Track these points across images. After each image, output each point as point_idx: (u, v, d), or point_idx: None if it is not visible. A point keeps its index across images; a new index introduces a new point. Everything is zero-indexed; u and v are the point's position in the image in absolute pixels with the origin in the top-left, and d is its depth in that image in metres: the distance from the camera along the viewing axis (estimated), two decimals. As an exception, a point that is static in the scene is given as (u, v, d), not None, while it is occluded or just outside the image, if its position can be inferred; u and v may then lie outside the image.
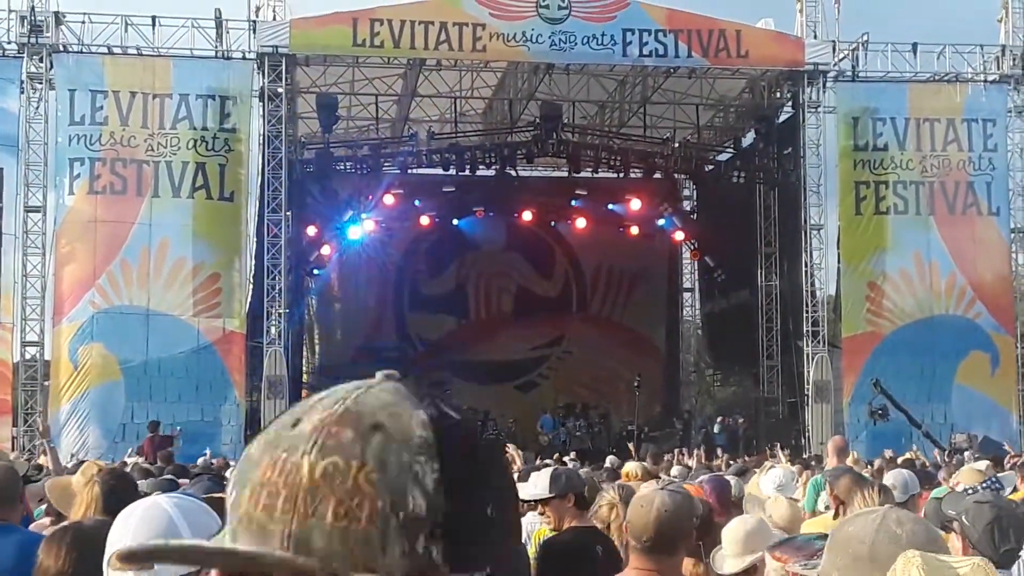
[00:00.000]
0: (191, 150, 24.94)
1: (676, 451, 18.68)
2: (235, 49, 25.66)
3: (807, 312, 26.40)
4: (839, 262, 27.14)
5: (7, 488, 5.36)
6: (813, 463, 14.24)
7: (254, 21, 25.48)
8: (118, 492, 4.99)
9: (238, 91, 25.37)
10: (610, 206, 32.45)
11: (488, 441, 1.15)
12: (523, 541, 5.51)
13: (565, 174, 31.23)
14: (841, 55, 27.12)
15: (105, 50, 25.32)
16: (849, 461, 10.22)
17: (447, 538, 1.06)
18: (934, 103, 27.26)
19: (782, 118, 28.80)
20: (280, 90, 25.54)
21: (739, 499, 7.27)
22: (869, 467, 12.27)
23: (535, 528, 6.72)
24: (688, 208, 34.53)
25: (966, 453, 18.80)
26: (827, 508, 6.85)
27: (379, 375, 1.17)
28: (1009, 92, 27.59)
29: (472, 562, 1.08)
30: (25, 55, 24.98)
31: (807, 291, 26.62)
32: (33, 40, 24.81)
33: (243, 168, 25.40)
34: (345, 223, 30.08)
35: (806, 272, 26.73)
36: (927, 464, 14.94)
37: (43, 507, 6.91)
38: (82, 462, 14.71)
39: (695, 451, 19.41)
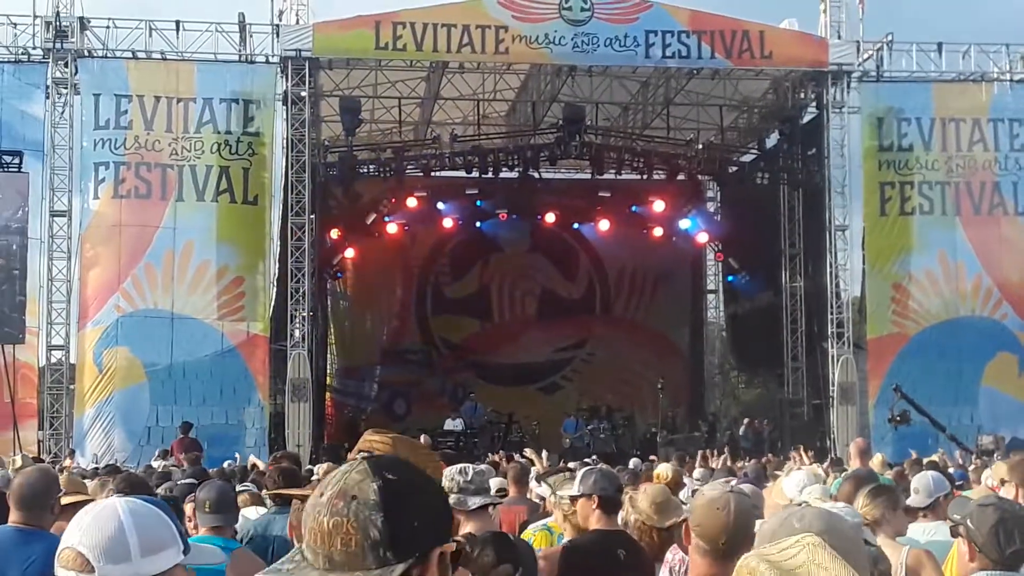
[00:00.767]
0: (215, 154, 25.03)
1: (701, 453, 18.62)
2: (258, 53, 25.77)
3: (832, 313, 26.28)
4: (864, 263, 27.00)
5: (39, 493, 5.31)
6: (834, 466, 14.17)
7: (277, 25, 25.55)
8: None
9: (262, 95, 25.46)
10: (633, 208, 32.38)
11: (410, 484, 2.08)
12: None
13: (588, 176, 31.18)
14: (865, 55, 27.02)
15: (129, 55, 25.44)
16: (874, 463, 10.17)
17: (394, 546, 2.03)
18: (959, 103, 27.10)
19: (806, 119, 28.69)
20: (303, 94, 25.60)
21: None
22: (891, 469, 12.19)
23: (539, 528, 6.73)
24: (712, 209, 34.42)
25: (994, 455, 18.67)
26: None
27: (359, 457, 2.18)
28: (1035, 91, 27.42)
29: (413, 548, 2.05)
30: (50, 60, 25.14)
31: (832, 292, 26.49)
32: (58, 45, 24.97)
33: (267, 172, 25.48)
34: (368, 226, 30.13)
35: (831, 273, 26.61)
36: (951, 466, 14.84)
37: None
38: (108, 466, 14.81)
39: (722, 454, 19.34)
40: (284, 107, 25.67)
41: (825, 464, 16.58)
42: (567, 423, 28.93)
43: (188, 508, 6.49)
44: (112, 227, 24.70)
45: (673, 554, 5.33)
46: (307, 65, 25.48)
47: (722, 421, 32.13)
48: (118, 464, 16.54)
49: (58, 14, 24.90)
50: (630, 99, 30.54)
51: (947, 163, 26.88)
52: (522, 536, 6.46)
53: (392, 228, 30.88)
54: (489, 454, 18.40)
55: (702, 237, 33.29)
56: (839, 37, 26.67)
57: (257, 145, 25.29)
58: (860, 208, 27.05)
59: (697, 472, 12.49)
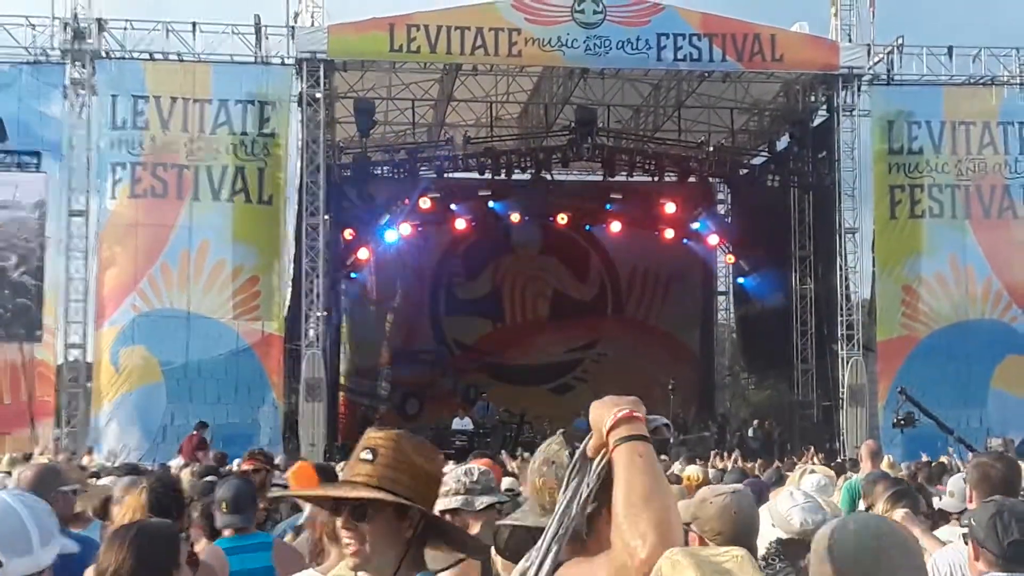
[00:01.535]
0: (230, 154, 25.21)
1: (712, 454, 18.75)
2: (274, 55, 25.94)
3: (842, 316, 26.38)
4: (874, 266, 27.09)
5: (35, 489, 5.27)
6: (848, 467, 14.29)
7: (293, 27, 25.73)
8: (164, 498, 5.15)
9: (277, 96, 25.63)
10: (645, 210, 32.49)
11: None
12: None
13: (600, 178, 31.31)
14: (876, 58, 27.11)
15: (146, 56, 25.63)
16: (884, 465, 10.30)
17: None
18: (969, 106, 27.17)
19: (817, 122, 28.79)
20: (318, 95, 25.77)
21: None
22: (901, 470, 12.32)
23: None
24: (722, 212, 34.53)
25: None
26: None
27: (558, 433, 2.70)
28: (1046, 95, 27.49)
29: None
30: (68, 61, 25.34)
31: (842, 295, 26.59)
32: (76, 46, 25.17)
33: (282, 172, 25.65)
34: (382, 227, 30.29)
35: (841, 276, 26.71)
36: (962, 468, 14.94)
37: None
38: (127, 464, 14.99)
39: (733, 454, 19.47)
40: (299, 108, 25.83)
41: (841, 461, 16.74)
42: (578, 423, 28.97)
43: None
44: (129, 227, 24.90)
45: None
46: (322, 67, 25.67)
47: (732, 422, 32.20)
48: (137, 463, 16.68)
49: (76, 15, 25.10)
50: (642, 101, 30.66)
51: (957, 166, 26.96)
52: None
53: (405, 229, 31.03)
54: (503, 452, 18.52)
55: (713, 239, 33.41)
56: (850, 40, 26.78)
57: (272, 146, 25.47)
58: (870, 211, 27.14)
59: (709, 473, 12.61)
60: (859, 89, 27.05)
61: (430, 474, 2.89)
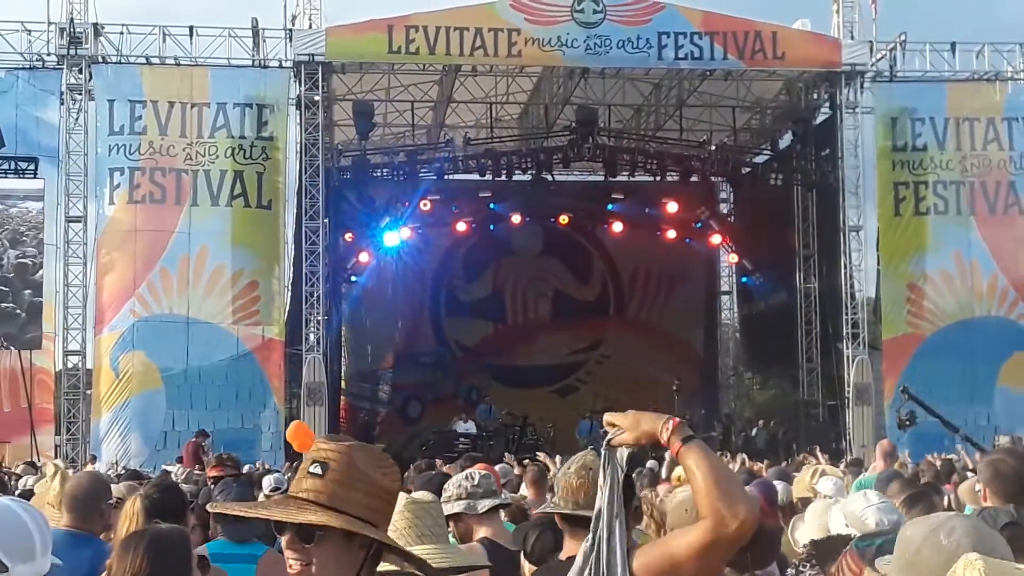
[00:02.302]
0: (229, 158, 25.10)
1: (718, 455, 18.57)
2: (272, 58, 25.85)
3: (847, 314, 26.23)
4: (878, 263, 26.97)
5: (89, 497, 5.29)
6: (856, 466, 14.13)
7: (290, 30, 25.62)
8: (162, 505, 5.01)
9: (275, 99, 25.51)
10: (647, 210, 32.35)
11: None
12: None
13: (601, 178, 31.19)
14: (879, 55, 26.98)
15: (143, 60, 25.54)
16: (897, 465, 10.14)
17: None
18: (973, 102, 27.05)
19: (819, 119, 28.64)
20: (317, 98, 25.66)
21: (786, 504, 7.20)
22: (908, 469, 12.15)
23: None
24: (725, 211, 34.39)
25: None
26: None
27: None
28: (1050, 90, 27.36)
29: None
30: (64, 66, 25.25)
31: (846, 293, 26.45)
32: (72, 51, 25.06)
33: (280, 176, 25.54)
34: (382, 229, 30.14)
35: (845, 274, 26.57)
36: (969, 466, 14.78)
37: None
38: (129, 470, 14.83)
39: (739, 455, 19.28)
40: (297, 111, 25.74)
41: (842, 466, 16.56)
42: (582, 425, 28.90)
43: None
44: (127, 232, 24.79)
45: None
46: (320, 69, 25.55)
47: (736, 422, 32.08)
48: (138, 469, 16.53)
49: (72, 20, 24.98)
50: (643, 101, 30.54)
51: (961, 163, 26.83)
52: None
53: (406, 231, 30.90)
54: (506, 454, 18.36)
55: (716, 238, 33.27)
56: (852, 37, 26.65)
57: (271, 149, 25.36)
58: (874, 208, 27.04)
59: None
60: (862, 86, 26.92)
61: (386, 489, 2.62)
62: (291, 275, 25.77)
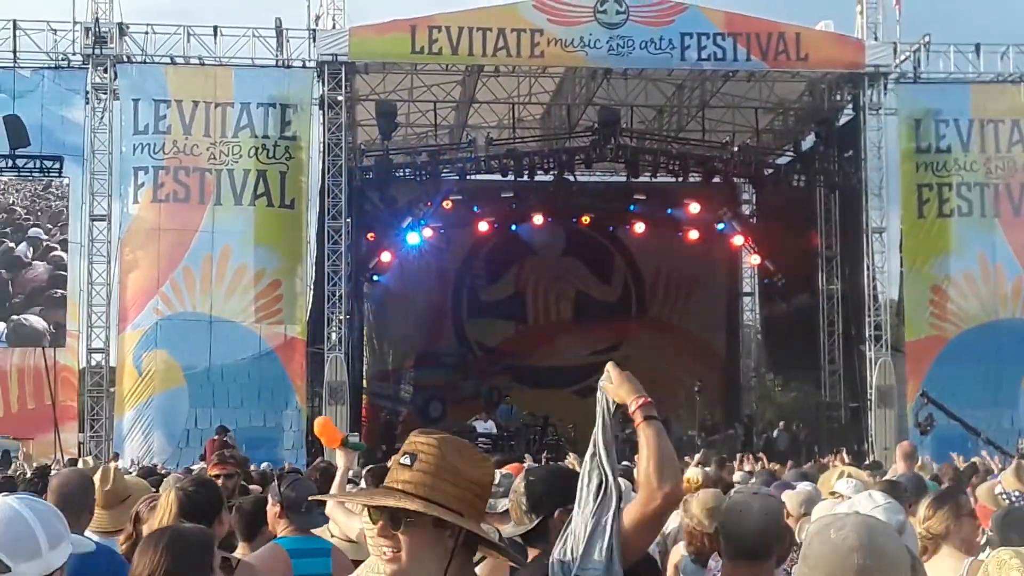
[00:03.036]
0: (252, 158, 25.19)
1: (739, 456, 18.55)
2: (295, 58, 25.93)
3: (869, 316, 26.14)
4: (901, 265, 26.85)
5: (75, 495, 5.27)
6: (876, 468, 14.07)
7: (314, 30, 25.70)
8: (197, 500, 5.02)
9: (298, 99, 25.60)
10: (669, 211, 32.29)
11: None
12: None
13: (623, 179, 31.12)
14: (902, 56, 26.88)
15: (168, 60, 25.67)
16: (917, 467, 10.10)
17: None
18: (998, 104, 26.92)
19: (843, 121, 28.55)
20: (340, 98, 25.72)
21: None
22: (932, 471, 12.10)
23: None
24: (747, 212, 34.29)
25: (1034, 459, 18.47)
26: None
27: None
28: (1075, 91, 27.18)
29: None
30: (90, 66, 25.41)
31: (869, 295, 26.36)
32: (97, 51, 25.22)
33: (303, 175, 25.61)
34: (404, 229, 30.19)
35: (868, 276, 26.47)
36: (992, 469, 14.71)
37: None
38: (144, 467, 14.91)
39: (759, 457, 19.25)
40: (320, 111, 25.82)
41: (864, 468, 16.50)
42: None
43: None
44: (151, 231, 24.91)
45: (716, 561, 5.32)
46: (343, 69, 25.62)
47: (758, 424, 31.96)
48: (153, 467, 16.59)
49: (97, 20, 25.15)
50: (665, 102, 30.49)
51: (986, 164, 26.71)
52: None
53: (427, 231, 30.94)
54: (527, 455, 18.36)
55: (738, 240, 33.17)
56: (876, 38, 26.56)
57: (294, 149, 25.44)
58: (897, 210, 26.94)
59: (736, 475, 12.43)
60: (885, 88, 26.83)
61: (474, 480, 2.70)
62: (313, 274, 25.83)
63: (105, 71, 25.38)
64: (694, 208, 31.57)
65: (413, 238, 30.30)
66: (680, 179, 30.15)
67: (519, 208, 31.36)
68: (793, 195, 30.34)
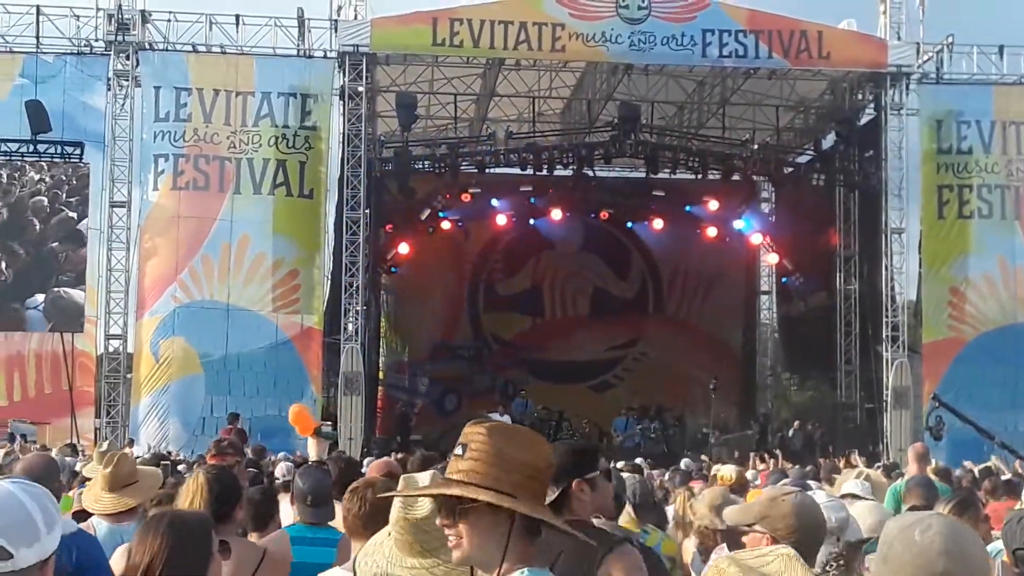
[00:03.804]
0: (272, 147, 25.24)
1: (752, 455, 18.54)
2: (317, 48, 25.97)
3: (887, 317, 26.05)
4: (920, 266, 26.77)
5: (40, 479, 5.29)
6: (892, 469, 14.05)
7: (336, 20, 25.72)
8: (223, 484, 5.10)
9: (319, 89, 25.63)
10: (688, 208, 32.28)
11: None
12: None
13: (643, 175, 31.05)
14: (925, 57, 26.76)
15: (190, 48, 25.73)
16: (930, 470, 10.07)
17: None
18: (1020, 106, 26.81)
19: (864, 120, 28.45)
20: (360, 89, 25.74)
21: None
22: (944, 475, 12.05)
23: None
24: (766, 210, 34.19)
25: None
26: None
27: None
28: (1099, 95, 27.03)
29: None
30: (112, 53, 25.47)
31: (887, 295, 26.26)
32: (120, 38, 25.28)
33: (323, 166, 25.66)
34: (422, 221, 30.23)
35: (886, 276, 26.38)
36: (1006, 474, 14.65)
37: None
38: (155, 454, 14.95)
39: (773, 456, 19.23)
40: (341, 102, 25.85)
41: (878, 468, 16.47)
42: (617, 422, 28.89)
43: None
44: (171, 218, 25.00)
45: (718, 552, 5.35)
46: (364, 60, 25.64)
47: (773, 423, 31.91)
48: (162, 453, 16.63)
49: (120, 7, 25.22)
50: (686, 98, 30.44)
51: (1007, 166, 26.59)
52: None
53: (446, 224, 30.97)
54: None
55: (756, 238, 33.10)
56: (899, 38, 26.44)
57: (314, 139, 25.49)
58: (917, 211, 26.84)
59: (749, 473, 12.42)
60: (907, 88, 26.72)
61: (527, 463, 2.74)
62: (331, 265, 25.88)
63: (127, 58, 25.45)
64: (713, 205, 31.55)
65: (431, 230, 30.30)
66: (699, 176, 30.07)
67: (538, 202, 31.38)
68: (812, 194, 30.25)
